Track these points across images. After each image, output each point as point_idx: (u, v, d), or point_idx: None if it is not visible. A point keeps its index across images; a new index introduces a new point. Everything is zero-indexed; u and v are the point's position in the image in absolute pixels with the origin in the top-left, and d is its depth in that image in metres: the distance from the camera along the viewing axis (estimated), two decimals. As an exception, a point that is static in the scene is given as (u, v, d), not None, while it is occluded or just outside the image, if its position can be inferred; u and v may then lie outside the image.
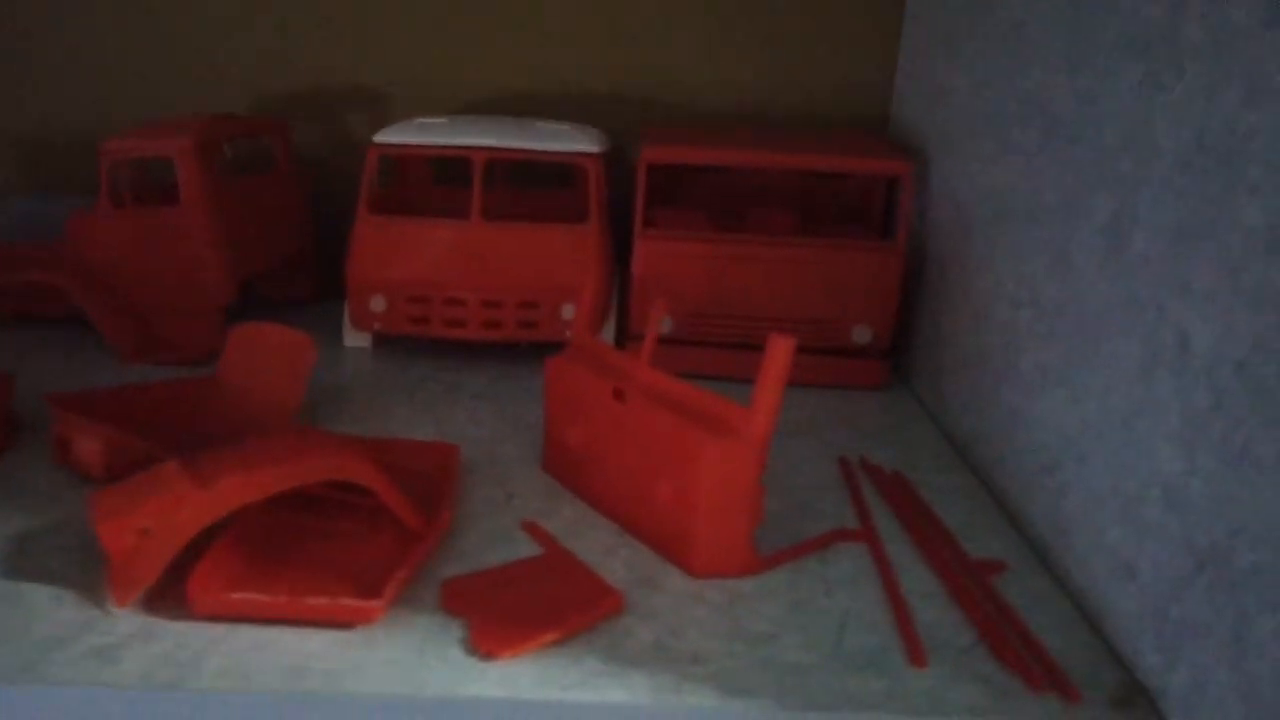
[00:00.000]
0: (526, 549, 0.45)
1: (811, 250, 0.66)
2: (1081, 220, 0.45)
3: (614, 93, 0.81)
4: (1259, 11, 0.32)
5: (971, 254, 0.59)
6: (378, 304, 0.66)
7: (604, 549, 0.46)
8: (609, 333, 0.71)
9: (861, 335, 0.67)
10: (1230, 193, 0.33)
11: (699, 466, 0.42)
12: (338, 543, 0.43)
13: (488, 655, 0.36)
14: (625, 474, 0.47)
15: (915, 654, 0.38)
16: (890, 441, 0.60)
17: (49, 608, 0.38)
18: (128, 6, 0.79)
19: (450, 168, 0.82)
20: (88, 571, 0.41)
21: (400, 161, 0.78)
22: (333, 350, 0.70)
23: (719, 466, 0.42)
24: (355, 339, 0.71)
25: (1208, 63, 0.35)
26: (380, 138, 0.67)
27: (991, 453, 0.54)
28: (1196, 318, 0.35)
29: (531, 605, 0.39)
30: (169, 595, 0.39)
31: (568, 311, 0.67)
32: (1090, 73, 0.44)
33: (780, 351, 0.41)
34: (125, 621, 0.38)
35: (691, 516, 0.43)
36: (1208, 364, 0.34)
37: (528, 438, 0.57)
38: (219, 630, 0.37)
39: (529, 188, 0.81)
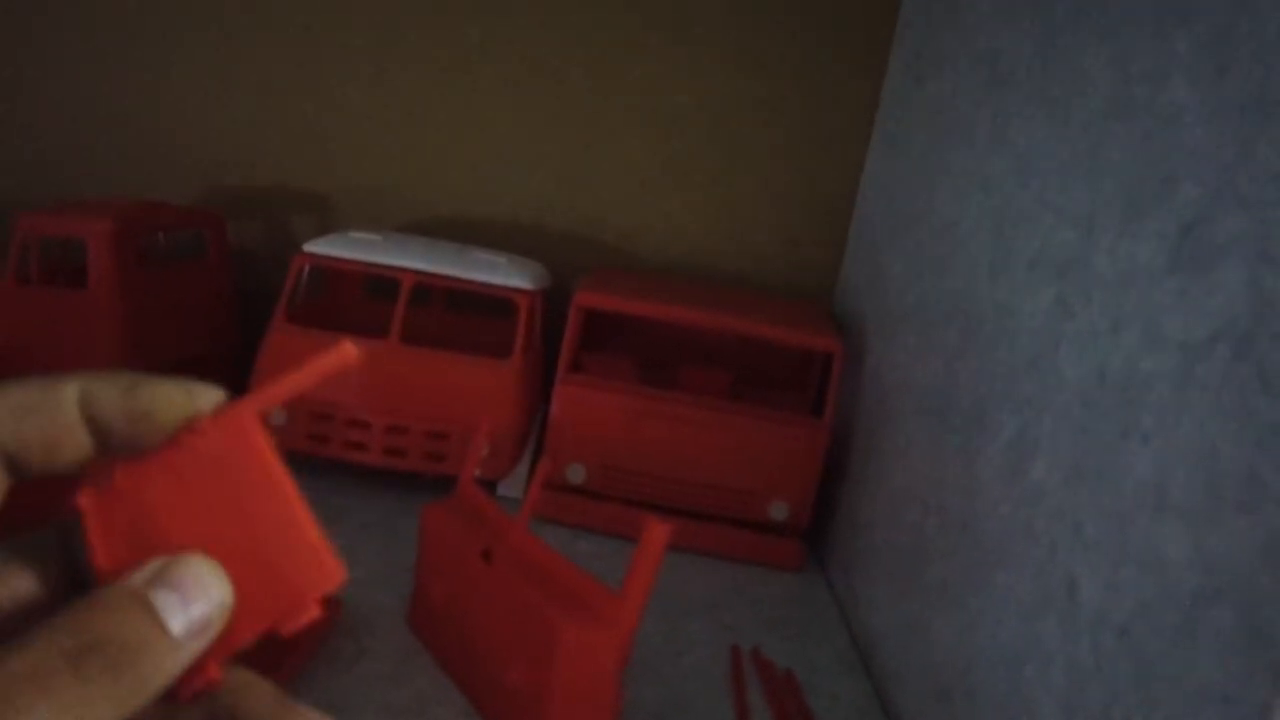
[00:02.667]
0: (357, 721, 0.40)
1: (735, 417, 0.63)
2: (989, 434, 0.43)
3: (566, 230, 0.80)
4: (1161, 255, 0.31)
5: (891, 446, 0.56)
6: (278, 416, 0.63)
7: (444, 731, 0.41)
8: (521, 475, 0.68)
9: (779, 511, 0.64)
10: (1126, 438, 0.31)
11: (554, 653, 0.38)
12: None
13: None
14: (481, 646, 0.43)
15: None
16: (794, 633, 0.56)
17: None
18: (90, 83, 0.79)
19: (387, 284, 0.81)
20: None
21: (333, 273, 0.76)
22: (228, 457, 0.66)
23: (574, 657, 0.38)
24: (253, 448, 0.67)
25: (1114, 296, 0.34)
26: (309, 247, 0.65)
27: (891, 663, 0.50)
28: (1085, 566, 0.32)
29: None
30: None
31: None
32: (1008, 285, 0.43)
33: (656, 538, 0.38)
34: None
35: (541, 709, 0.39)
36: (1092, 620, 0.31)
37: (403, 585, 0.53)
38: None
39: (471, 315, 0.79)
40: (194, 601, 0.20)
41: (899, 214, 0.64)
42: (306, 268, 0.68)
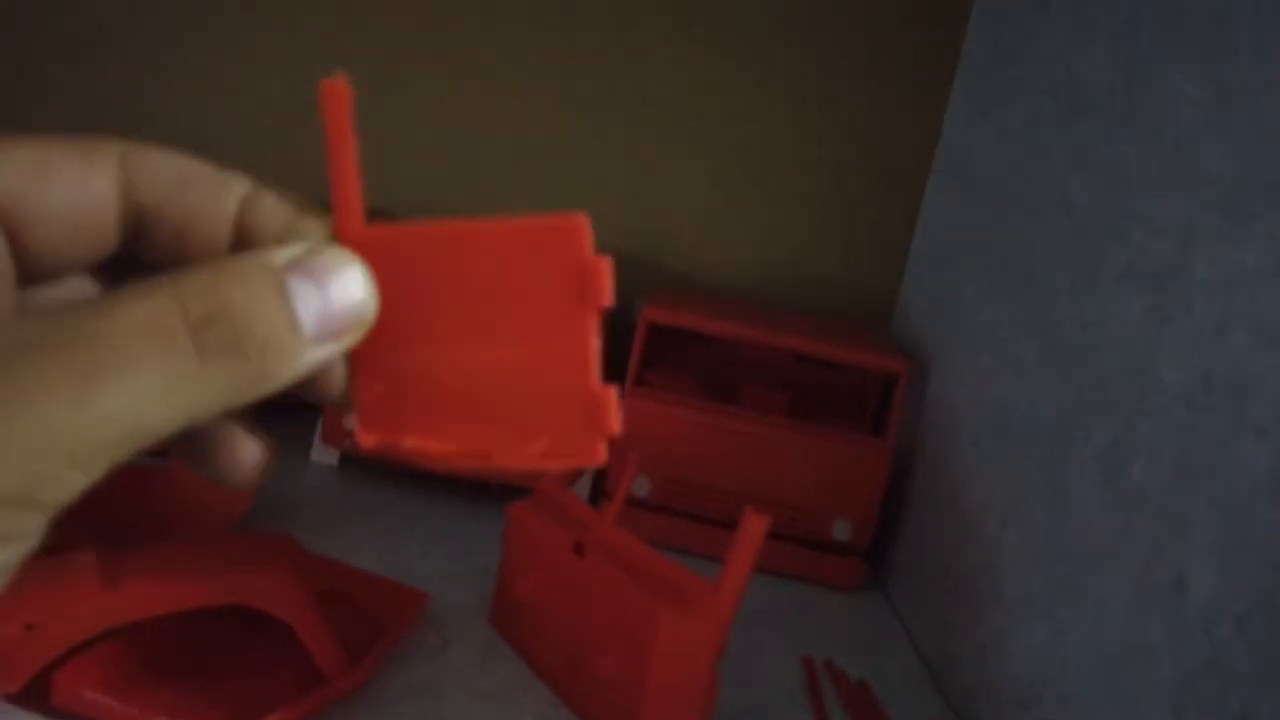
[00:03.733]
0: (452, 706, 0.41)
1: (800, 435, 0.64)
2: (1078, 444, 0.43)
3: (626, 253, 0.82)
4: (1271, 257, 0.32)
5: (962, 464, 0.57)
6: (350, 421, 0.64)
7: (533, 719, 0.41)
8: (584, 486, 0.69)
9: (841, 531, 0.64)
10: (1236, 434, 0.32)
11: (652, 641, 0.38)
12: (246, 665, 0.39)
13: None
14: (571, 637, 0.43)
15: None
16: (858, 649, 0.56)
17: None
18: (137, 87, 0.82)
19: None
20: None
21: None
22: (297, 463, 0.68)
23: (674, 644, 0.38)
24: (323, 455, 0.68)
25: (1217, 301, 0.35)
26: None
27: (966, 679, 0.50)
28: (1196, 561, 0.33)
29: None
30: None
31: (544, 459, 0.65)
32: (1095, 299, 0.44)
33: (754, 528, 0.38)
34: (-15, 721, 0.34)
35: (636, 698, 0.39)
36: (1205, 614, 0.32)
37: (477, 585, 0.53)
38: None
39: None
40: (334, 300, 0.17)
41: (964, 241, 0.65)
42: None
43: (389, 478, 0.68)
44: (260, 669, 0.40)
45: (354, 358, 0.19)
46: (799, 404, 0.78)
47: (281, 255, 0.17)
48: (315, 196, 0.21)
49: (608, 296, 0.18)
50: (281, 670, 0.40)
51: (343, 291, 0.18)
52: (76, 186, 0.17)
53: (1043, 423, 0.47)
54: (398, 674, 0.43)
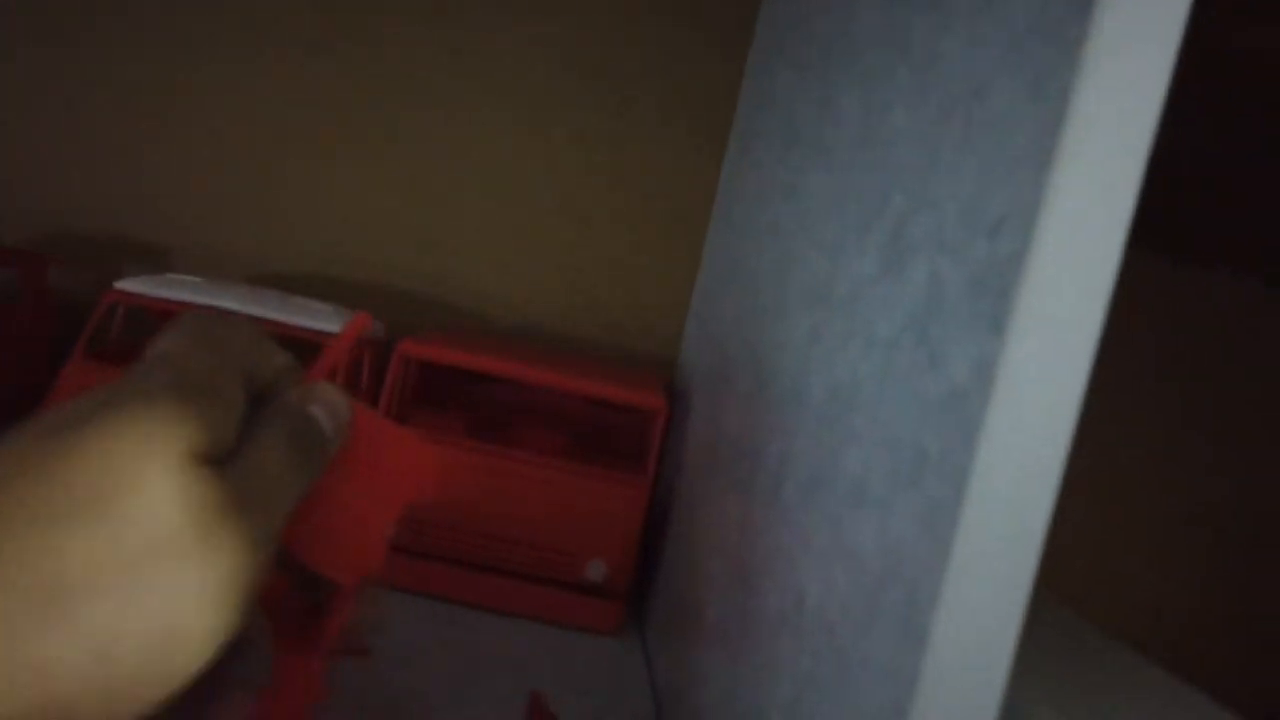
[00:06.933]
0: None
1: (554, 473, 0.62)
2: (759, 467, 0.43)
3: (419, 293, 0.80)
4: (877, 265, 0.32)
5: (699, 498, 0.56)
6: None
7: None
8: (332, 530, 0.65)
9: (596, 571, 0.62)
10: (844, 444, 0.32)
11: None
12: None
13: None
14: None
15: None
16: (596, 692, 0.53)
17: None
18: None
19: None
20: None
21: (154, 314, 0.73)
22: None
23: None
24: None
25: (847, 314, 0.35)
26: (121, 285, 0.63)
27: (679, 717, 0.48)
28: (810, 575, 0.32)
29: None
30: None
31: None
32: (784, 323, 0.44)
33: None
34: None
35: None
36: (812, 626, 0.31)
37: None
38: None
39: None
40: (334, 414, 0.28)
41: (723, 275, 0.66)
42: (121, 307, 0.65)
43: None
44: None
45: None
46: (582, 444, 0.77)
47: (294, 395, 0.28)
48: None
49: None
50: None
51: (336, 408, 0.29)
52: None
53: (743, 449, 0.47)
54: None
